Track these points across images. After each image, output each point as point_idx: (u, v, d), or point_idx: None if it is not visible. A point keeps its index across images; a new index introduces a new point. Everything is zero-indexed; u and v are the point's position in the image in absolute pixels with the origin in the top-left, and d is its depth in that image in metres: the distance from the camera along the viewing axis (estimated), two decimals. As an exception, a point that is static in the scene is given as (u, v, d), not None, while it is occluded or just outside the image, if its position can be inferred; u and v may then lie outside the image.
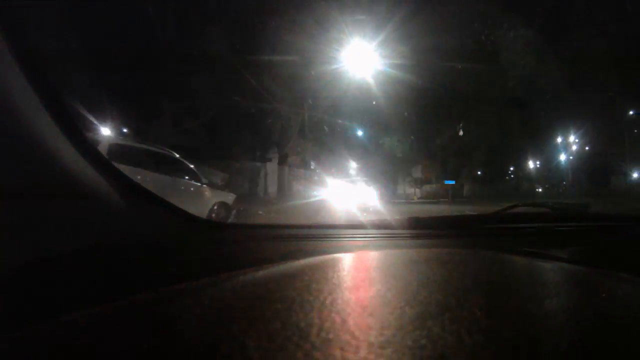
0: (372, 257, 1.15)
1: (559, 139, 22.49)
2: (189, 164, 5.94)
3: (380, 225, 1.86)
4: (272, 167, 12.45)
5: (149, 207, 1.57)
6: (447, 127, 17.35)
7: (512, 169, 24.08)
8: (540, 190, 24.12)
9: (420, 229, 1.76)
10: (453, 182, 20.19)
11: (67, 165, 1.17)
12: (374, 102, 12.75)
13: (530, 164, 23.90)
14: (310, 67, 9.51)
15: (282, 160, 12.08)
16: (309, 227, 1.98)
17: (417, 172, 20.69)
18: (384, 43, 10.86)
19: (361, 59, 10.96)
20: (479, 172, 20.81)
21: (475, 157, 19.24)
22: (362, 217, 3.35)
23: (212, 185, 6.24)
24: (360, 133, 16.25)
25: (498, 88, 15.98)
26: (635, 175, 22.43)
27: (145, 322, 0.64)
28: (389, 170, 19.35)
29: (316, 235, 1.82)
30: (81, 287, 1.12)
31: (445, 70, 13.69)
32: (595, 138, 21.07)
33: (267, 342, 0.49)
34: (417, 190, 20.69)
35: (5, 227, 1.05)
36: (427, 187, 20.84)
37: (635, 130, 21.04)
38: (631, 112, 19.98)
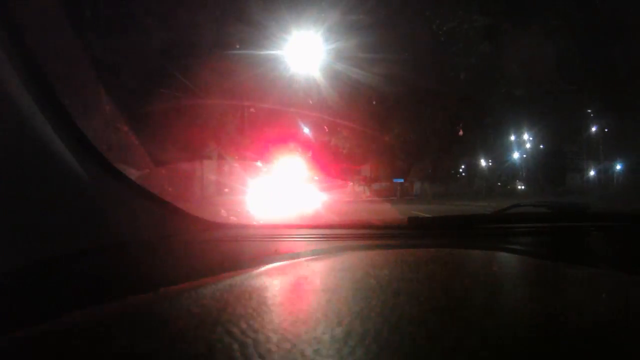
0: (373, 256, 1.20)
1: (513, 137, 22.94)
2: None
3: (383, 225, 1.97)
4: (210, 164, 12.11)
5: (149, 207, 1.64)
6: (395, 123, 17.26)
7: (463, 167, 24.18)
8: (522, 187, 24.43)
9: (421, 228, 1.89)
10: (402, 181, 20.43)
11: (68, 166, 1.28)
12: (319, 97, 12.55)
13: (483, 162, 24.07)
14: (249, 59, 9.34)
15: (220, 158, 11.81)
16: (307, 227, 2.06)
17: (366, 171, 20.59)
18: (330, 34, 10.77)
19: (305, 50, 10.85)
20: (429, 170, 20.83)
21: (424, 155, 19.33)
22: (300, 219, 3.39)
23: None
24: (307, 130, 16.03)
25: (449, 84, 16.01)
26: (592, 173, 23.09)
27: (145, 322, 0.68)
28: (338, 169, 19.20)
29: (314, 235, 1.89)
30: (81, 287, 1.15)
31: (393, 63, 13.48)
32: (551, 136, 21.55)
33: (265, 341, 0.54)
34: (367, 189, 20.73)
35: (5, 227, 1.10)
36: (376, 186, 20.88)
37: (593, 129, 21.69)
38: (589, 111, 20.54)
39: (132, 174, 1.62)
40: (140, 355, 0.54)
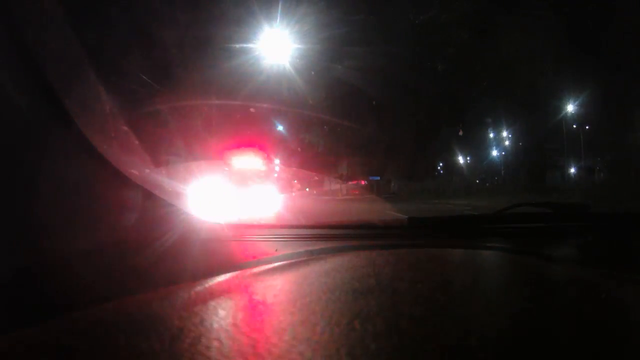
0: (373, 256, 1.22)
1: (492, 134, 23.18)
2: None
3: (382, 225, 1.99)
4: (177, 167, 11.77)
5: (149, 206, 1.63)
6: (370, 119, 16.99)
7: (441, 164, 24.23)
8: (501, 184, 24.26)
9: (421, 228, 1.91)
10: (378, 178, 20.63)
11: (67, 165, 1.31)
12: (291, 93, 12.34)
13: (461, 160, 24.02)
14: (214, 55, 9.17)
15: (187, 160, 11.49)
16: (307, 227, 2.08)
17: (343, 168, 20.56)
18: (300, 27, 10.48)
19: (274, 45, 10.58)
20: (406, 168, 20.68)
21: (400, 152, 19.26)
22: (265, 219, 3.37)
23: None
24: (280, 127, 15.85)
25: (426, 79, 16.09)
26: (572, 170, 23.26)
27: (145, 322, 0.70)
28: (314, 167, 19.07)
29: (314, 235, 1.92)
30: (81, 287, 1.17)
31: (367, 57, 13.21)
32: (531, 132, 21.66)
33: (264, 341, 0.56)
34: (343, 187, 20.66)
35: (5, 227, 1.13)
36: (353, 184, 20.81)
37: (574, 125, 21.90)
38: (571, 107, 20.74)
39: (133, 174, 1.66)
40: (140, 354, 0.55)
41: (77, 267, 1.25)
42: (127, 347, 0.58)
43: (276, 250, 1.56)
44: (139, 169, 1.98)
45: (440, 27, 14.83)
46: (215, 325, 0.64)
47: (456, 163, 24.07)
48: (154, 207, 1.64)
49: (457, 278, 0.98)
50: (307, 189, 17.13)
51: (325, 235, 1.88)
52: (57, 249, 1.24)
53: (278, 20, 10.35)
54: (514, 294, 0.86)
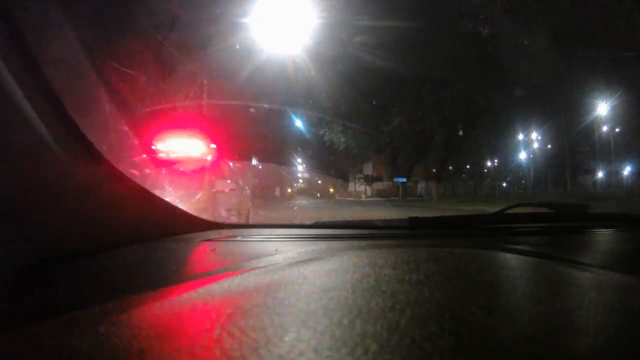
0: (373, 256, 1.20)
1: (521, 136, 22.56)
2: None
3: (383, 224, 2.05)
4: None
5: (149, 207, 1.65)
6: (395, 113, 16.66)
7: (468, 166, 23.70)
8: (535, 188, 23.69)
9: (421, 228, 1.93)
10: (404, 180, 19.92)
11: (67, 165, 1.31)
12: (307, 84, 12.04)
13: (495, 161, 23.72)
14: (215, 42, 9.00)
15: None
16: (307, 227, 2.09)
17: (368, 169, 20.45)
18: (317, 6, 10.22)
19: (287, 28, 9.94)
20: (434, 170, 20.42)
21: (429, 151, 18.92)
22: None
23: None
24: (298, 123, 15.61)
25: (460, 69, 15.65)
26: (600, 174, 23.06)
27: (145, 322, 0.71)
28: (337, 167, 18.93)
29: (314, 235, 1.93)
30: (81, 287, 1.19)
31: (394, 43, 13.18)
32: (560, 136, 21.28)
33: (265, 341, 0.56)
34: (368, 188, 20.54)
35: (5, 227, 1.14)
36: (379, 185, 20.64)
37: (604, 128, 21.54)
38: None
39: (133, 174, 1.69)
40: (140, 355, 0.56)
41: (77, 267, 1.29)
42: (128, 347, 0.59)
43: (276, 250, 1.57)
44: (139, 169, 2.02)
45: (478, 19, 14.56)
46: (215, 325, 0.63)
47: (485, 165, 23.67)
48: (156, 207, 1.67)
49: (457, 278, 0.94)
50: (330, 191, 17.10)
51: (326, 235, 1.89)
52: (56, 249, 1.27)
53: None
54: (514, 294, 0.84)
